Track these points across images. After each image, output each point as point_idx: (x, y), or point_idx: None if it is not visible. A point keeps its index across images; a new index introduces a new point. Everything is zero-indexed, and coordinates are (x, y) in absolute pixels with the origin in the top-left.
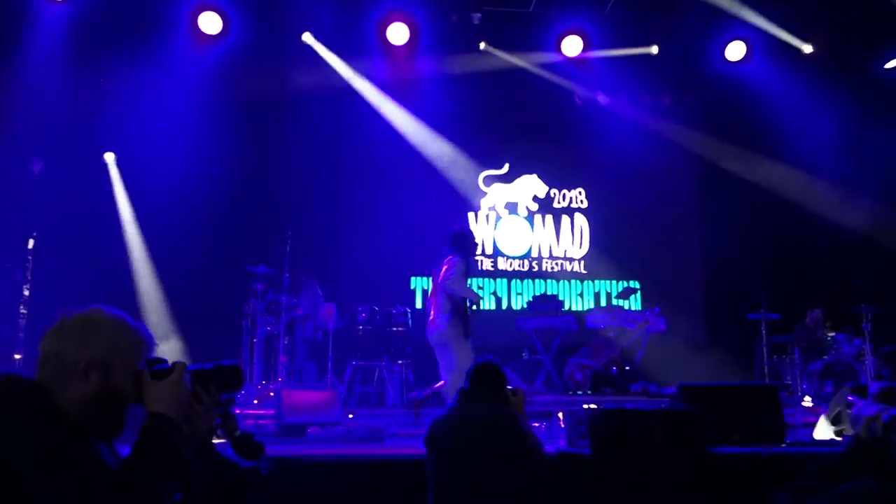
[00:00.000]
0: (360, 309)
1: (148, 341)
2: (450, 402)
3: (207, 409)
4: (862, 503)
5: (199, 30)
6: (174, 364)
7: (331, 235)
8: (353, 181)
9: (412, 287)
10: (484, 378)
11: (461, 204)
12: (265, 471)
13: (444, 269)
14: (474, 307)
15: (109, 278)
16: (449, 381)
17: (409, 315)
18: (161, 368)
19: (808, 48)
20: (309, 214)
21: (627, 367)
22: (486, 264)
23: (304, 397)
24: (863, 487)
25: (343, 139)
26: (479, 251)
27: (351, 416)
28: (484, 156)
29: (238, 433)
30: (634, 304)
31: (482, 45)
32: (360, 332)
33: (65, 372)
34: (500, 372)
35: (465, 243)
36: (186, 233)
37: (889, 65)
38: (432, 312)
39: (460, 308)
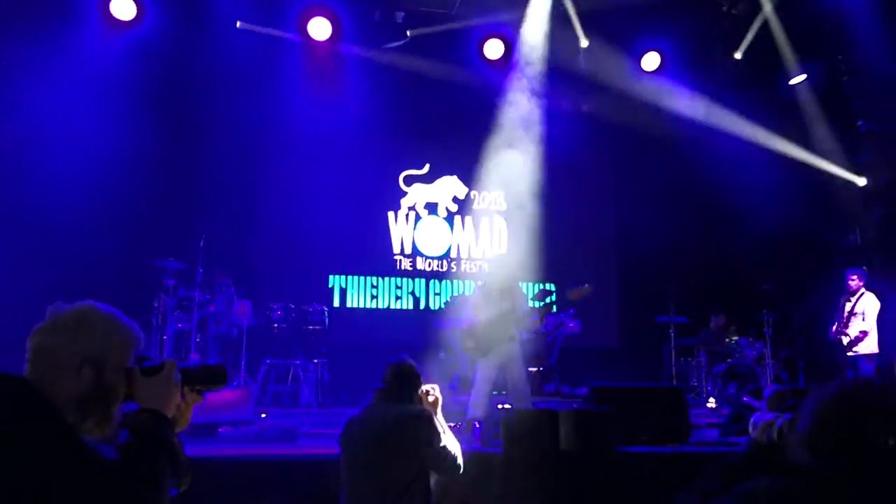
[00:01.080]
0: (275, 306)
1: (139, 338)
2: None
3: (189, 408)
4: (762, 499)
5: (110, 15)
6: (164, 361)
7: (247, 231)
8: (272, 176)
9: (330, 285)
10: (398, 377)
11: (381, 202)
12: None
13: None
14: None
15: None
16: None
17: (326, 314)
18: (150, 365)
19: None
20: (224, 209)
21: (541, 369)
22: (405, 264)
23: (215, 395)
24: (761, 484)
25: (262, 133)
26: (397, 250)
27: (264, 415)
28: (405, 155)
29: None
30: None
31: (402, 43)
32: (276, 330)
33: (57, 368)
34: (415, 371)
35: None
36: (93, 224)
37: (794, 80)
38: None
39: None
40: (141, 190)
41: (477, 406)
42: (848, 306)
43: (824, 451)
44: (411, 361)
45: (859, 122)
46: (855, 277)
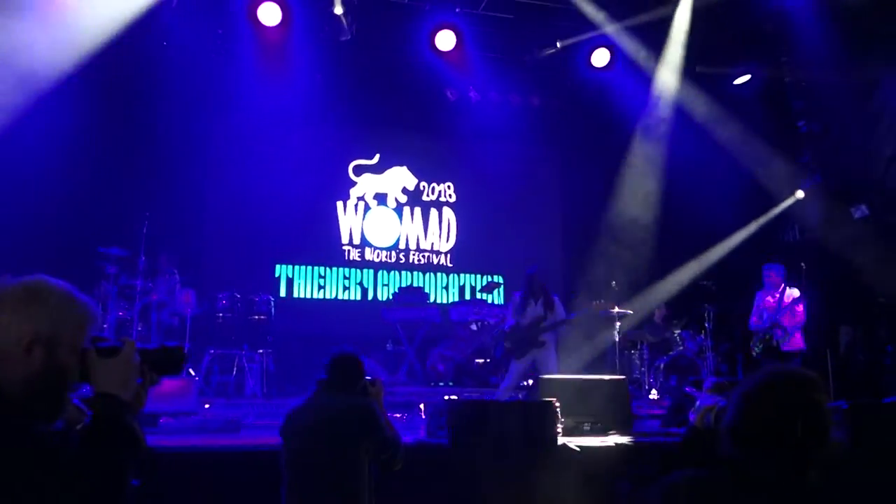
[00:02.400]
0: (220, 296)
1: (95, 316)
2: None
3: (145, 392)
4: (683, 491)
5: None
6: (123, 341)
7: (192, 218)
8: (219, 164)
9: (276, 275)
10: (341, 368)
11: (330, 192)
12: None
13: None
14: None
15: None
16: None
17: (272, 303)
18: (107, 346)
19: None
20: (169, 195)
21: (488, 360)
22: (353, 254)
23: (156, 385)
24: (685, 476)
25: (209, 119)
26: (346, 240)
27: (207, 405)
28: (355, 145)
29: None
30: (497, 298)
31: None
32: (220, 320)
33: (4, 347)
34: (358, 362)
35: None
36: (33, 210)
37: (738, 81)
38: None
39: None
40: (82, 175)
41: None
42: (771, 300)
43: (747, 443)
44: (353, 352)
45: (800, 123)
46: (772, 273)
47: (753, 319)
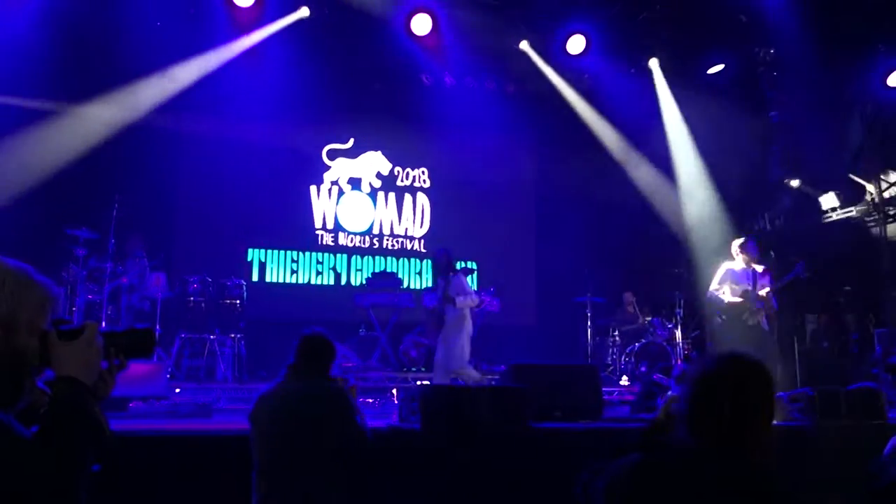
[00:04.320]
0: (192, 279)
1: (55, 297)
2: None
3: (112, 377)
4: (629, 475)
5: None
6: (85, 324)
7: (163, 200)
8: (192, 145)
9: (249, 259)
10: (310, 350)
11: (303, 176)
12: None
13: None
14: None
15: None
16: None
17: (245, 288)
18: (69, 328)
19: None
20: (140, 177)
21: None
22: (327, 239)
23: (127, 369)
24: (631, 461)
25: (182, 100)
26: (319, 225)
27: (178, 390)
28: (329, 129)
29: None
30: (471, 284)
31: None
32: (191, 304)
33: None
34: (328, 343)
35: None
36: None
37: (712, 70)
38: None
39: None
40: (50, 155)
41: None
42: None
43: (696, 428)
44: (323, 332)
45: (772, 113)
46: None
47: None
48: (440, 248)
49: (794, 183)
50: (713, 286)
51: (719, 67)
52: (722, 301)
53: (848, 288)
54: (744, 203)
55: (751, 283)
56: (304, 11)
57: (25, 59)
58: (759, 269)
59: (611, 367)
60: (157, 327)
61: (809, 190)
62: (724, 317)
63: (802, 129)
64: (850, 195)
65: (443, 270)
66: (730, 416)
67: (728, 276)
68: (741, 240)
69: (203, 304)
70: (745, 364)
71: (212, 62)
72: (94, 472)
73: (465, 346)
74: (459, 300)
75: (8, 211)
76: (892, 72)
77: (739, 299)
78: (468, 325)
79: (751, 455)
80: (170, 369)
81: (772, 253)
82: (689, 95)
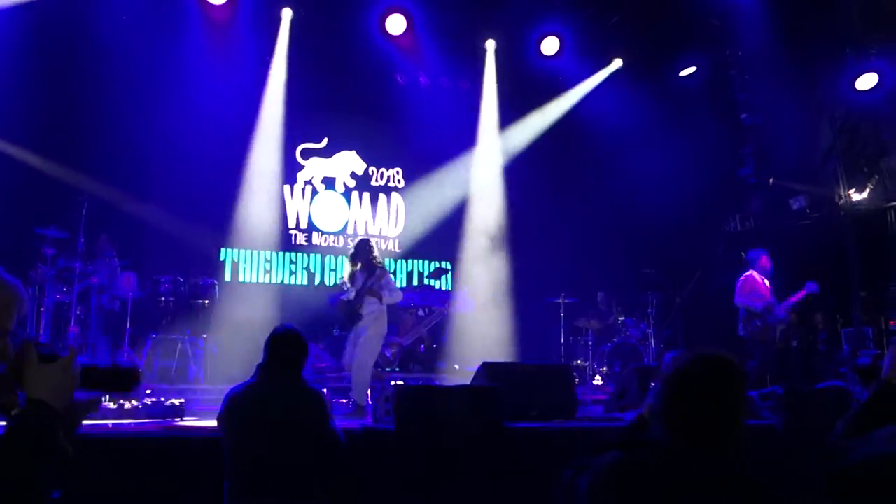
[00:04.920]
0: (163, 279)
1: (23, 299)
2: None
3: (87, 407)
4: (606, 472)
5: None
6: (69, 350)
7: (133, 199)
8: (163, 143)
9: (221, 259)
10: (283, 348)
11: (277, 175)
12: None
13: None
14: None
15: None
16: None
17: (217, 288)
18: (46, 353)
19: (617, 62)
20: (110, 175)
21: (435, 346)
22: (301, 239)
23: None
24: (608, 458)
25: (154, 97)
26: (293, 224)
27: (149, 391)
28: (303, 128)
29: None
30: (445, 284)
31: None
32: (163, 304)
33: None
34: (301, 340)
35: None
36: None
37: (684, 72)
38: None
39: None
40: (18, 152)
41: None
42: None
43: (670, 426)
44: (295, 329)
45: (743, 116)
46: (763, 258)
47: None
48: (363, 239)
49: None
50: (743, 296)
51: (691, 70)
52: (754, 308)
53: None
54: (715, 204)
55: (771, 296)
56: (286, 14)
57: None
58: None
59: (583, 367)
60: (128, 327)
61: (788, 184)
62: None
63: (773, 132)
64: (819, 197)
65: (365, 263)
66: (701, 414)
67: (754, 286)
68: (762, 252)
69: (174, 305)
70: (717, 362)
71: (183, 59)
72: (55, 500)
73: (377, 347)
74: (387, 295)
75: None
76: (860, 75)
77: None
78: (385, 324)
79: (724, 452)
80: (141, 370)
81: (742, 254)
82: (661, 98)
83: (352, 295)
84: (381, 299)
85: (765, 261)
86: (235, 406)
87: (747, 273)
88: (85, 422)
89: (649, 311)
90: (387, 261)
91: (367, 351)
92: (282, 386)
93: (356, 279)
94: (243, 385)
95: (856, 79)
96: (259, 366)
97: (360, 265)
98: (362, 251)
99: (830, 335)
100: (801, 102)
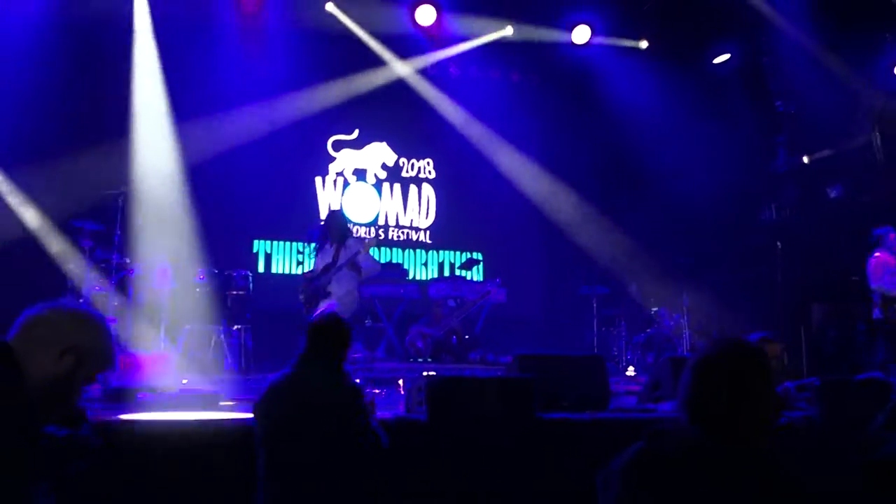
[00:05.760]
0: (198, 271)
1: (114, 367)
2: None
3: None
4: (630, 463)
5: None
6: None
7: (169, 192)
8: (197, 138)
9: (255, 250)
10: (322, 336)
11: (309, 167)
12: (95, 442)
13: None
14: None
15: None
16: None
17: (250, 279)
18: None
19: (643, 44)
20: (146, 170)
21: (467, 336)
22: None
23: (134, 360)
24: (633, 449)
25: (188, 92)
26: (325, 216)
27: (185, 381)
28: (334, 120)
29: None
30: (476, 275)
31: (329, 7)
32: (198, 295)
33: (43, 344)
34: (342, 328)
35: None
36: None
37: (717, 60)
38: None
39: None
40: (57, 148)
41: None
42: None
43: (698, 415)
44: (337, 316)
45: (777, 103)
46: (892, 234)
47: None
48: (335, 210)
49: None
50: (881, 279)
51: (725, 57)
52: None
53: (855, 277)
54: (750, 193)
55: None
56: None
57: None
58: None
59: (617, 358)
60: (164, 318)
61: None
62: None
63: (808, 120)
64: (856, 184)
65: (337, 235)
66: (726, 402)
67: (887, 266)
68: (889, 229)
69: (209, 296)
70: (743, 350)
71: (215, 52)
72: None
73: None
74: (368, 266)
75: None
76: None
77: None
78: (356, 305)
79: (750, 442)
80: (177, 360)
81: (778, 243)
82: (695, 85)
83: (318, 271)
84: (360, 272)
85: (893, 238)
86: (272, 394)
87: (877, 253)
88: (124, 412)
89: (683, 301)
90: (418, 251)
91: None
92: (318, 376)
93: (325, 251)
94: (282, 374)
95: (894, 65)
96: (299, 355)
97: (331, 239)
98: (336, 222)
99: (869, 326)
100: (837, 89)
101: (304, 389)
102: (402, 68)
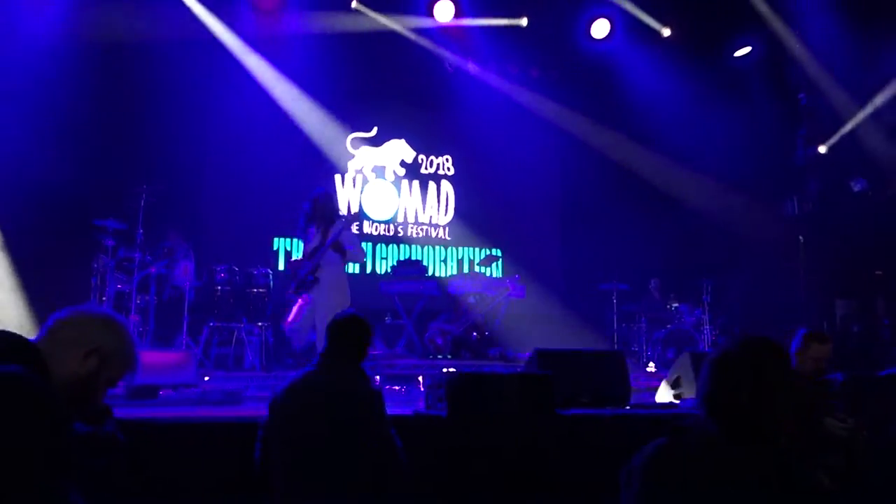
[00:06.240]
0: (219, 268)
1: (135, 371)
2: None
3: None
4: (648, 458)
5: None
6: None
7: (190, 191)
8: (217, 136)
9: (275, 248)
10: (344, 335)
11: (328, 165)
12: (119, 438)
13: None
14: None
15: None
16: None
17: (271, 276)
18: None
19: (666, 31)
20: (167, 168)
21: (486, 333)
22: (352, 227)
23: (156, 358)
24: (651, 444)
25: (207, 91)
26: (344, 213)
27: (207, 378)
28: (352, 117)
29: None
30: (496, 271)
31: (354, 4)
32: (219, 293)
33: (69, 346)
34: (364, 327)
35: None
36: (31, 183)
37: (738, 53)
38: None
39: None
40: (80, 148)
41: None
42: None
43: (717, 411)
44: (360, 315)
45: (800, 95)
46: None
47: None
48: (321, 188)
49: (822, 149)
50: None
51: (746, 50)
52: None
53: (879, 272)
54: (772, 186)
55: None
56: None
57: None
58: None
59: (637, 354)
60: (186, 316)
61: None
62: None
63: (831, 112)
64: (880, 178)
65: (323, 217)
66: (747, 400)
67: None
68: None
69: (230, 293)
70: (764, 347)
71: (237, 50)
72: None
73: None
74: (351, 249)
75: (41, 203)
76: None
77: None
78: (347, 293)
79: (771, 440)
80: (199, 358)
81: (800, 238)
82: (716, 78)
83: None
84: (344, 255)
85: None
86: (290, 392)
87: None
88: (146, 409)
89: (704, 297)
90: (438, 248)
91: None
92: (336, 375)
93: (309, 235)
94: (302, 372)
95: None
96: (320, 354)
97: (317, 221)
98: (321, 203)
99: (893, 321)
100: (859, 81)
101: (318, 386)
102: (419, 65)
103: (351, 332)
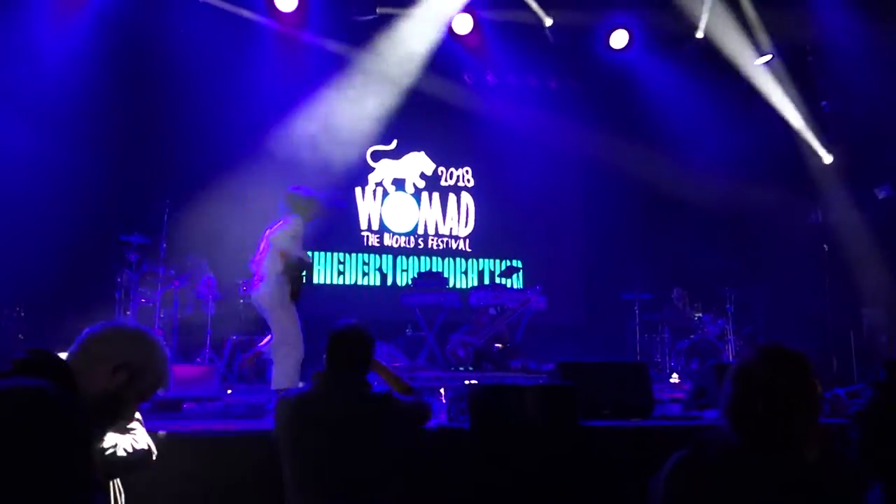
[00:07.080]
0: (241, 282)
1: (166, 386)
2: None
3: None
4: (672, 469)
5: None
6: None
7: (212, 205)
8: (238, 150)
9: None
10: (343, 347)
11: (348, 178)
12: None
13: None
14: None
15: None
16: (279, 354)
17: None
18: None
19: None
20: (189, 182)
21: (508, 344)
22: (373, 240)
23: (180, 371)
24: (686, 456)
25: (227, 105)
26: (365, 226)
27: (230, 391)
28: (372, 130)
29: None
30: (516, 282)
31: (371, 18)
32: (241, 306)
33: (98, 361)
34: (364, 336)
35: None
36: (56, 198)
37: (758, 62)
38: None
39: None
40: (104, 163)
41: None
42: None
43: (733, 422)
44: (357, 324)
45: (823, 103)
46: None
47: None
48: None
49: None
50: None
51: (767, 58)
52: None
53: None
54: (796, 195)
55: None
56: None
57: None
58: None
59: (660, 365)
60: (209, 329)
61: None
62: None
63: (854, 119)
64: None
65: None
66: (763, 408)
67: None
68: None
69: (252, 307)
70: (782, 357)
71: (256, 66)
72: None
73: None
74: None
75: (66, 219)
76: None
77: None
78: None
79: (791, 450)
80: (222, 371)
81: (825, 247)
82: (738, 85)
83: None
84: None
85: None
86: (299, 410)
87: None
88: (170, 422)
89: (728, 306)
90: (458, 260)
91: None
92: (340, 390)
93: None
94: (308, 387)
95: None
96: (326, 368)
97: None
98: (300, 198)
99: None
100: (884, 87)
101: (320, 400)
102: (438, 78)
103: (349, 343)
